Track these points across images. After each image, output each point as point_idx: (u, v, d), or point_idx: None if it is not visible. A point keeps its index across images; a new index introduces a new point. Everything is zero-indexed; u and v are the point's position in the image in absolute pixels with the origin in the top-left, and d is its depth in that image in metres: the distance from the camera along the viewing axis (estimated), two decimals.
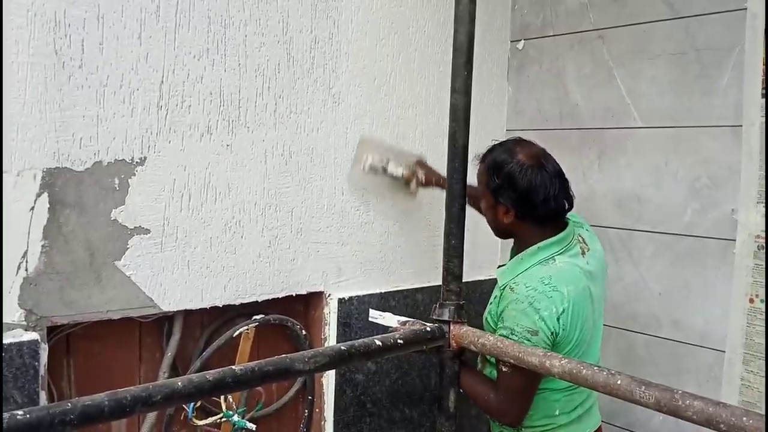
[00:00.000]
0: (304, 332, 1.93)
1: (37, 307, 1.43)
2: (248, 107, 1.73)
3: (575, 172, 2.18)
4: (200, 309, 1.70)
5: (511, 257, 1.64)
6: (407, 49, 2.10)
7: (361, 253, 2.03)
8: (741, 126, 1.85)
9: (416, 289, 2.16)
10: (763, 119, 1.80)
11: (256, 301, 1.80)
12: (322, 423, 1.99)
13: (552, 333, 1.45)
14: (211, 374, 1.11)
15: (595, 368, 1.22)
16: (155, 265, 1.60)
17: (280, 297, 1.85)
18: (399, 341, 1.41)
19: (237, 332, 1.76)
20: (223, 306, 1.74)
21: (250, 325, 1.78)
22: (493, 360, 1.57)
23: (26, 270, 1.41)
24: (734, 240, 1.87)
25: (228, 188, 1.71)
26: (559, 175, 1.57)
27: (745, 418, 1.01)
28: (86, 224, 1.49)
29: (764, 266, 1.79)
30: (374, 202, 2.05)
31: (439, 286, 1.55)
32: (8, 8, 1.34)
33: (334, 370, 1.95)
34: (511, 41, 2.45)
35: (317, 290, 1.94)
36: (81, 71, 1.45)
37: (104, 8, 1.47)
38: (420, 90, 2.14)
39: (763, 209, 1.79)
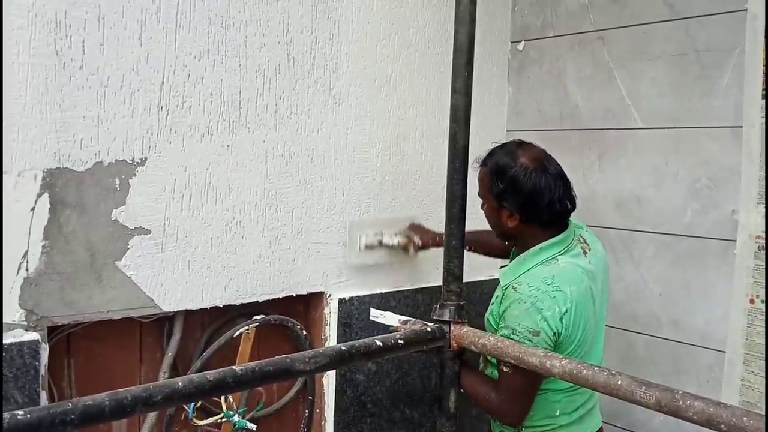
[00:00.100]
0: (304, 332, 1.93)
1: (38, 307, 1.43)
2: (249, 108, 1.73)
3: (575, 173, 2.18)
4: (201, 309, 1.70)
5: (513, 258, 1.64)
6: (408, 50, 2.10)
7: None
8: (741, 127, 1.85)
9: (416, 290, 2.16)
10: (764, 120, 1.80)
11: (257, 302, 1.80)
12: (323, 423, 1.99)
13: (554, 333, 1.45)
14: (211, 374, 1.11)
15: (596, 369, 1.22)
16: (156, 266, 1.60)
17: (280, 297, 1.85)
18: (399, 341, 1.41)
19: (237, 332, 1.76)
20: (224, 306, 1.74)
21: (251, 326, 1.78)
22: (494, 360, 1.57)
23: (27, 270, 1.41)
24: (735, 241, 1.87)
25: (228, 189, 1.71)
26: (562, 176, 1.57)
27: (745, 419, 1.01)
28: (87, 224, 1.49)
29: (764, 267, 1.79)
30: (374, 203, 2.05)
31: (440, 286, 1.55)
32: (9, 9, 1.34)
33: (334, 371, 1.95)
34: (512, 42, 2.45)
35: (318, 290, 1.94)
36: (82, 72, 1.45)
37: (105, 9, 1.47)
38: (420, 91, 2.14)
39: (764, 210, 1.79)
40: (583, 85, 2.23)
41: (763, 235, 1.80)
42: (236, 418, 1.73)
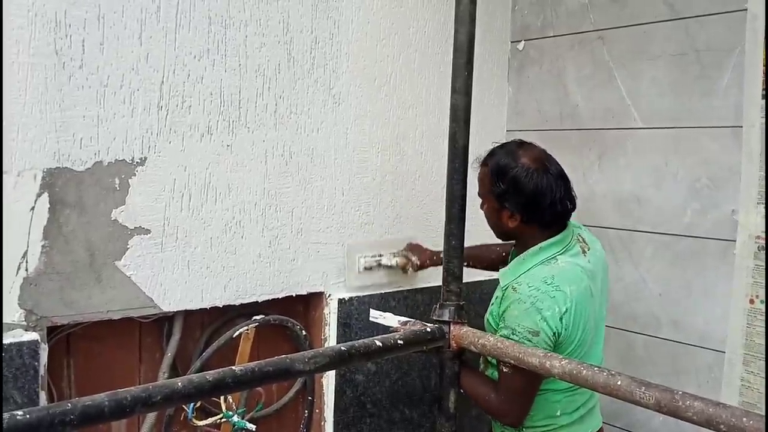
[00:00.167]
0: (304, 332, 1.93)
1: (37, 307, 1.43)
2: (248, 107, 1.73)
3: (575, 173, 2.18)
4: (200, 309, 1.70)
5: (512, 258, 1.64)
6: (408, 50, 2.10)
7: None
8: (741, 127, 1.85)
9: (416, 290, 2.16)
10: (764, 120, 1.80)
11: (256, 302, 1.80)
12: (322, 423, 1.99)
13: (554, 333, 1.45)
14: (211, 374, 1.11)
15: (595, 369, 1.22)
16: (155, 265, 1.60)
17: (280, 297, 1.85)
18: (399, 342, 1.41)
19: (237, 332, 1.76)
20: (223, 306, 1.74)
21: (250, 326, 1.78)
22: (494, 361, 1.57)
23: (26, 270, 1.41)
24: (734, 241, 1.87)
25: (228, 188, 1.71)
26: (562, 176, 1.57)
27: (745, 419, 1.01)
28: (86, 224, 1.49)
29: (764, 267, 1.79)
30: (374, 203, 2.05)
31: (439, 286, 1.55)
32: (9, 8, 1.34)
33: (334, 371, 1.94)
34: (512, 42, 2.45)
35: (317, 290, 1.94)
36: (81, 71, 1.45)
37: (105, 8, 1.47)
38: (420, 90, 2.14)
39: (763, 210, 1.79)
40: (583, 84, 2.23)
41: (763, 235, 1.80)
42: (236, 418, 1.73)
